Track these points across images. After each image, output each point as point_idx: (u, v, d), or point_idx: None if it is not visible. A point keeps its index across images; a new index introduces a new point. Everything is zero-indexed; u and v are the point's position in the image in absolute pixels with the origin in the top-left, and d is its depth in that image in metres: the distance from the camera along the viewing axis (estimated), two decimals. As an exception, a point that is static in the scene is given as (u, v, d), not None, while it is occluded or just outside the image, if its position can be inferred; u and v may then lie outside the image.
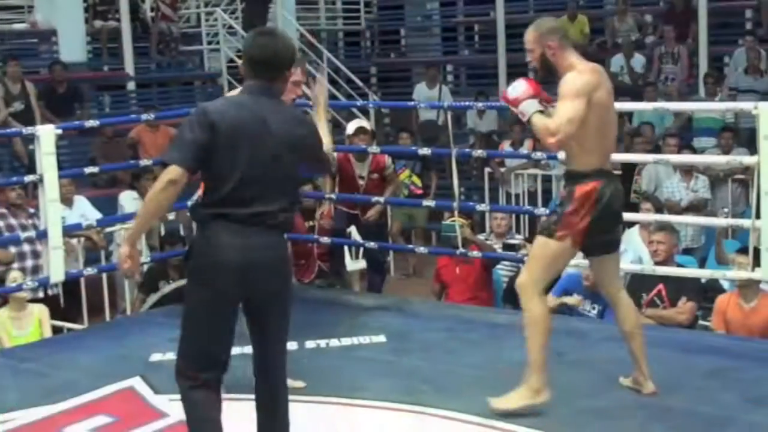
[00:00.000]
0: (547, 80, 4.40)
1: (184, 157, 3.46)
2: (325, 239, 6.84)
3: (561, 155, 7.72)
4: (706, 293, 6.66)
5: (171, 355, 5.33)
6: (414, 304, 6.47)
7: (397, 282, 9.97)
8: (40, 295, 6.84)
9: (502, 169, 10.91)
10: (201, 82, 14.36)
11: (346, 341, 5.48)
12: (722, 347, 5.28)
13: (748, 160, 5.76)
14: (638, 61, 12.32)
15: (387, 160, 7.42)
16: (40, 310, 6.45)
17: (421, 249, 7.51)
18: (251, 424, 3.69)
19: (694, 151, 9.41)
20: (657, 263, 6.29)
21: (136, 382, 4.90)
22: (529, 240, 7.70)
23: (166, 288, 6.95)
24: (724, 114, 10.16)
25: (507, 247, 7.70)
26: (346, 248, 7.92)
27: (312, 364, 5.13)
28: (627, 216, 7.48)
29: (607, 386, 4.64)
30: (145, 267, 7.34)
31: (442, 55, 15.79)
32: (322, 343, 5.43)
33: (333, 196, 7.08)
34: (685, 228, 8.34)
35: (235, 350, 3.66)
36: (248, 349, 3.73)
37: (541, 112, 4.28)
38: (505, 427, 4.21)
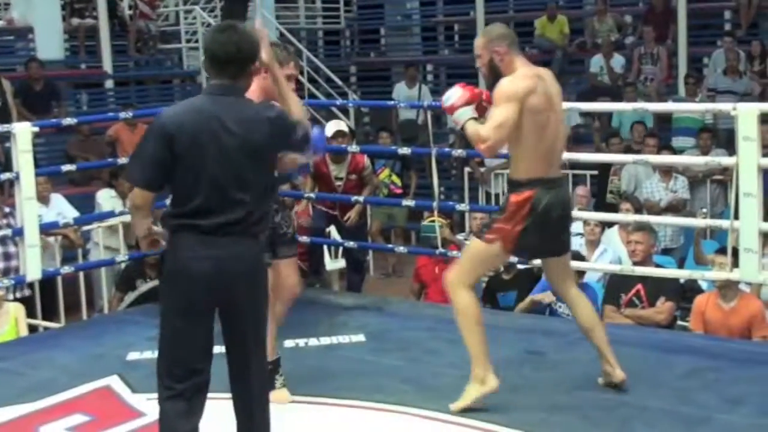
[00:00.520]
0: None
1: (144, 177, 3.42)
2: (304, 238, 6.82)
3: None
4: (684, 293, 6.68)
5: (148, 354, 5.31)
6: (393, 304, 6.45)
7: (376, 281, 9.96)
8: (11, 296, 6.77)
9: (482, 169, 10.91)
10: (180, 81, 14.31)
11: (326, 341, 5.47)
12: (701, 347, 5.30)
13: (726, 161, 5.79)
14: (618, 61, 12.35)
15: (365, 161, 7.41)
16: (16, 309, 6.39)
17: (401, 248, 7.50)
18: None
19: (674, 151, 9.44)
20: (635, 263, 6.31)
21: (113, 381, 4.87)
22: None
23: (144, 286, 6.92)
24: (704, 114, 10.21)
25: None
26: (325, 247, 7.91)
27: (291, 364, 5.11)
28: (606, 216, 7.59)
29: (586, 386, 4.63)
30: (122, 265, 7.31)
31: (422, 54, 15.79)
32: (302, 342, 5.41)
33: (312, 195, 7.06)
34: (664, 228, 8.38)
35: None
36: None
37: (476, 119, 4.27)
38: (485, 427, 4.20)
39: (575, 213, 6.99)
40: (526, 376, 4.78)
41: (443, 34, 16.04)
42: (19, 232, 5.98)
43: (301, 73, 13.87)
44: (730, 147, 6.31)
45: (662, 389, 4.58)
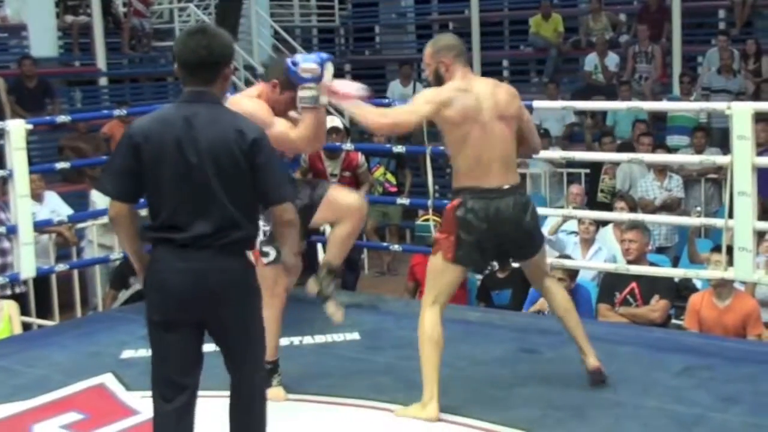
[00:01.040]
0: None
1: (112, 188, 3.36)
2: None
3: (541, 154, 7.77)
4: (679, 292, 6.69)
5: (143, 352, 5.31)
6: (388, 302, 6.45)
7: (371, 279, 9.96)
8: (8, 292, 6.76)
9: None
10: (174, 78, 14.25)
11: (320, 339, 5.46)
12: (695, 346, 5.30)
13: (721, 159, 5.79)
14: (612, 59, 12.37)
15: (360, 158, 7.40)
16: (10, 306, 6.38)
17: (396, 247, 7.49)
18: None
19: (668, 150, 9.45)
20: (629, 262, 6.31)
21: (108, 379, 4.87)
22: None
23: (137, 284, 6.89)
24: (698, 113, 10.22)
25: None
26: (319, 245, 7.90)
27: (286, 362, 5.10)
28: (600, 215, 7.58)
29: (581, 384, 4.63)
30: (116, 263, 7.29)
31: (417, 52, 15.76)
32: (296, 340, 5.41)
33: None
34: (659, 227, 8.38)
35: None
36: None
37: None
38: (479, 425, 4.20)
39: (570, 212, 7.03)
40: (520, 375, 4.78)
41: (438, 32, 16.02)
42: (13, 230, 5.96)
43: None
44: (724, 146, 6.33)
45: (656, 388, 4.58)
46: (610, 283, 6.46)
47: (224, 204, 3.28)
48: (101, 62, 12.80)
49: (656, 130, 10.65)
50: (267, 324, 3.60)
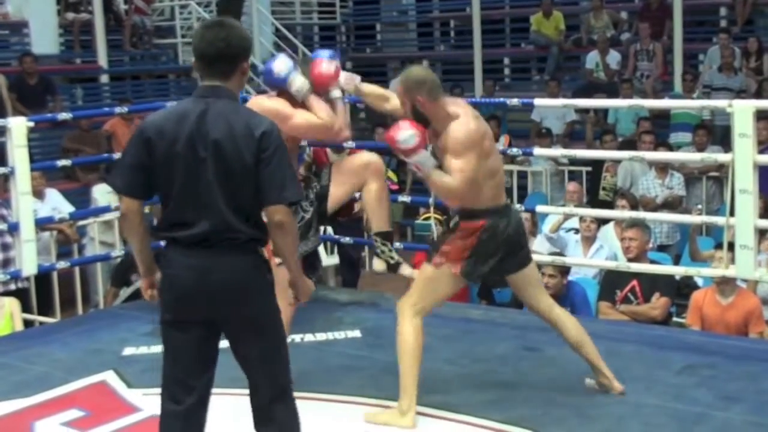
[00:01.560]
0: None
1: (124, 183, 3.32)
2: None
3: (538, 151, 7.78)
4: (680, 290, 6.69)
5: (144, 349, 5.32)
6: (389, 300, 6.43)
7: (371, 277, 9.94)
8: (12, 287, 6.77)
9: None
10: (175, 76, 14.30)
11: (321, 336, 5.46)
12: (696, 344, 5.30)
13: (722, 157, 5.79)
14: (613, 57, 12.37)
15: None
16: (11, 303, 6.38)
17: (396, 244, 7.46)
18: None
19: (670, 147, 9.45)
20: (629, 260, 6.32)
21: (109, 376, 4.87)
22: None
23: (139, 282, 6.89)
24: (701, 111, 10.21)
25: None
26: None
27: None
28: (600, 212, 7.58)
29: (582, 382, 4.64)
30: (118, 260, 7.30)
31: (418, 50, 15.81)
32: (297, 338, 5.40)
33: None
34: (660, 225, 8.38)
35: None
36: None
37: (438, 166, 4.19)
38: (480, 422, 4.20)
39: (571, 210, 7.03)
40: (522, 372, 4.78)
41: (439, 29, 16.05)
42: (14, 227, 5.96)
43: (297, 68, 13.87)
44: (726, 143, 6.31)
45: (657, 386, 4.58)
46: (611, 281, 6.47)
47: (223, 204, 3.22)
48: (102, 59, 12.80)
49: (660, 128, 10.65)
50: None
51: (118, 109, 7.83)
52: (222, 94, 3.29)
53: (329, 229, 7.67)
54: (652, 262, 6.58)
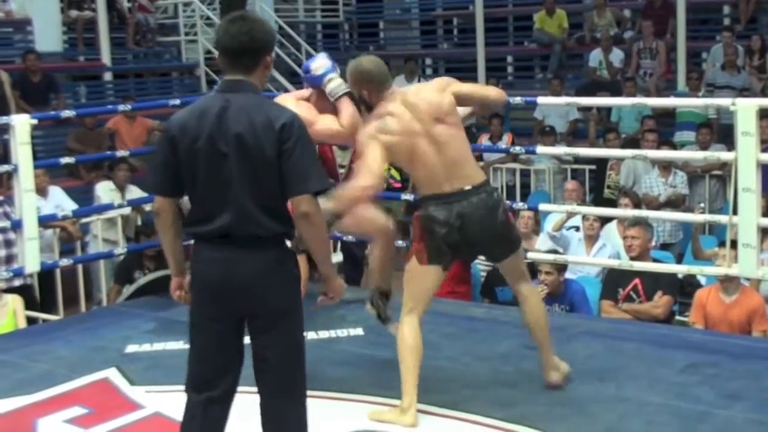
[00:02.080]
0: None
1: (156, 183, 3.36)
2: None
3: (541, 150, 7.77)
4: (683, 288, 6.69)
5: (147, 347, 5.33)
6: (392, 298, 6.44)
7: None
8: (16, 284, 6.78)
9: (481, 163, 10.89)
10: (178, 73, 14.31)
11: (324, 334, 5.47)
12: (699, 342, 5.30)
13: (725, 156, 5.78)
14: (617, 55, 12.36)
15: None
16: (15, 301, 6.39)
17: (399, 242, 7.47)
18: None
19: (674, 146, 9.44)
20: (632, 258, 6.31)
21: (112, 374, 4.88)
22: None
23: (142, 279, 6.91)
24: (707, 109, 10.18)
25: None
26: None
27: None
28: (603, 211, 7.58)
29: (585, 380, 4.64)
30: (121, 257, 7.31)
31: (421, 48, 15.80)
32: (300, 335, 5.41)
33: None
34: (663, 223, 8.38)
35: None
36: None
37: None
38: (483, 421, 4.20)
39: (574, 208, 7.02)
40: (525, 371, 4.78)
41: (442, 27, 16.04)
42: (17, 225, 5.97)
43: (300, 65, 13.87)
44: (732, 142, 6.26)
45: (660, 384, 4.58)
46: (614, 280, 6.46)
47: (243, 198, 3.23)
48: (106, 57, 12.80)
49: (664, 126, 10.65)
50: None
51: (121, 107, 7.84)
52: (244, 88, 3.30)
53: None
54: (655, 260, 6.58)
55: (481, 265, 7.68)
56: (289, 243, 3.43)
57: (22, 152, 5.88)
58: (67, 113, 7.04)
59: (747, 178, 5.10)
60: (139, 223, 8.07)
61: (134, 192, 8.76)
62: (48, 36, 12.48)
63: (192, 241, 3.39)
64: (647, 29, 12.25)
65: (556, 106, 11.13)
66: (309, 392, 4.46)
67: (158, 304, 6.13)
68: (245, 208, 3.23)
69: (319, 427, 4.15)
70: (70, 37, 13.11)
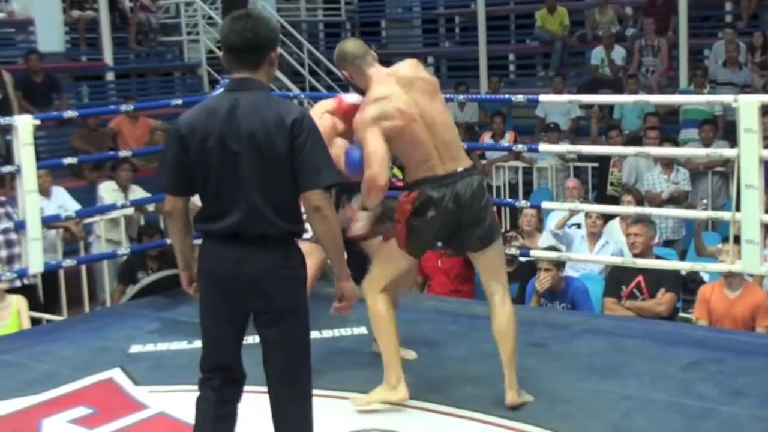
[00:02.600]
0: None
1: (166, 182, 3.38)
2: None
3: (543, 147, 7.79)
4: (686, 285, 6.68)
5: (151, 347, 5.33)
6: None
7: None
8: (18, 284, 6.79)
9: (483, 162, 10.91)
10: (180, 73, 14.31)
11: (328, 333, 5.46)
12: (702, 339, 5.30)
13: (728, 152, 5.78)
14: (618, 53, 12.35)
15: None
16: (19, 301, 6.40)
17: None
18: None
19: (676, 143, 9.44)
20: (635, 255, 6.31)
21: (116, 374, 4.88)
22: (516, 231, 7.70)
23: (146, 279, 6.91)
24: (713, 106, 10.16)
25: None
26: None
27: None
28: (605, 208, 7.58)
29: (589, 377, 4.65)
30: (124, 258, 7.31)
31: (423, 46, 15.79)
32: (304, 334, 5.41)
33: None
34: (666, 220, 8.38)
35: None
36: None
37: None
38: (486, 419, 4.21)
39: (576, 205, 7.03)
40: (528, 368, 4.77)
41: (444, 26, 16.04)
42: (21, 225, 5.98)
43: (302, 65, 13.88)
44: (734, 138, 6.26)
45: (664, 381, 4.58)
46: (617, 277, 6.46)
47: (255, 196, 3.26)
48: (108, 57, 12.81)
49: (668, 124, 10.64)
50: None
51: (123, 107, 7.84)
52: (252, 86, 3.33)
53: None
54: (658, 257, 6.57)
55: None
56: (299, 241, 3.46)
57: (25, 153, 5.88)
58: (70, 113, 7.05)
59: (750, 174, 5.10)
60: (142, 223, 8.09)
61: (137, 192, 8.77)
62: (50, 36, 12.49)
63: (200, 240, 3.43)
64: (649, 26, 12.24)
65: (558, 103, 11.12)
66: (315, 391, 4.50)
67: (162, 304, 6.14)
68: (257, 207, 3.26)
69: (324, 425, 4.16)
70: (73, 37, 13.11)
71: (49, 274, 6.94)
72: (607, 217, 7.58)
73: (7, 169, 6.17)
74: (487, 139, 10.91)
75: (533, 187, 10.62)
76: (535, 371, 4.72)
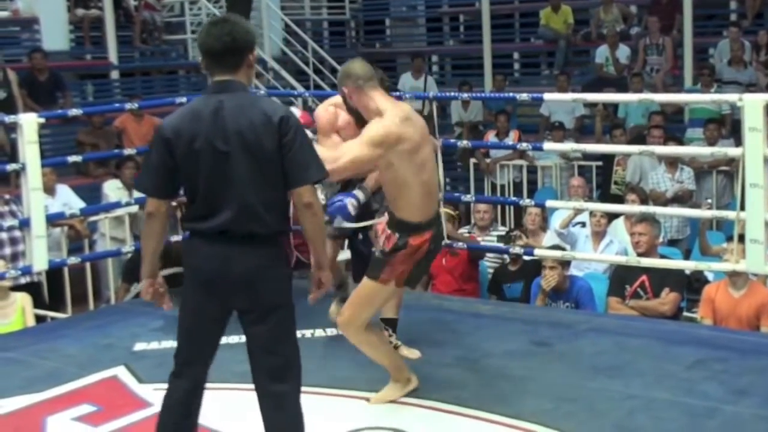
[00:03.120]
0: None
1: (151, 185, 3.42)
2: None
3: (548, 146, 7.78)
4: (690, 285, 6.67)
5: (155, 345, 5.34)
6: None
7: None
8: (22, 281, 6.80)
9: (488, 160, 10.91)
10: (185, 71, 14.31)
11: (332, 332, 5.46)
12: (706, 338, 5.30)
13: (733, 151, 5.77)
14: (623, 52, 12.34)
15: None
16: (23, 299, 6.41)
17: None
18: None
19: (680, 142, 9.42)
20: (639, 254, 6.30)
21: (120, 372, 4.90)
22: (521, 229, 7.69)
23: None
24: (720, 105, 10.15)
25: (502, 238, 7.68)
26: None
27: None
28: (609, 207, 7.58)
29: (592, 377, 4.65)
30: (128, 256, 7.32)
31: (427, 45, 15.78)
32: (308, 333, 5.42)
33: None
34: (670, 219, 8.37)
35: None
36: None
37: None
38: (490, 417, 4.21)
39: (581, 204, 7.03)
40: (532, 368, 4.78)
41: (448, 24, 16.02)
42: (26, 223, 5.98)
43: (307, 64, 13.88)
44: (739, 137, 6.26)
45: (668, 380, 4.58)
46: (621, 276, 6.45)
47: (247, 194, 3.32)
48: (113, 55, 12.81)
49: (674, 123, 10.62)
50: None
51: (128, 105, 7.85)
52: (234, 88, 3.40)
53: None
54: (662, 256, 6.57)
55: (488, 262, 7.69)
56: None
57: (29, 151, 5.90)
58: (75, 111, 7.06)
59: (754, 173, 5.10)
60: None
61: (141, 190, 8.75)
62: (55, 35, 12.49)
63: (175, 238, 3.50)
64: (653, 25, 12.23)
65: (562, 102, 11.11)
66: (318, 390, 4.52)
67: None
68: (248, 205, 3.32)
69: (329, 423, 4.17)
70: (77, 36, 13.12)
71: (54, 272, 6.96)
72: (612, 216, 7.57)
73: (11, 167, 6.19)
74: (491, 137, 10.91)
75: (537, 185, 10.62)
76: (539, 370, 4.72)
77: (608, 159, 9.75)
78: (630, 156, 9.24)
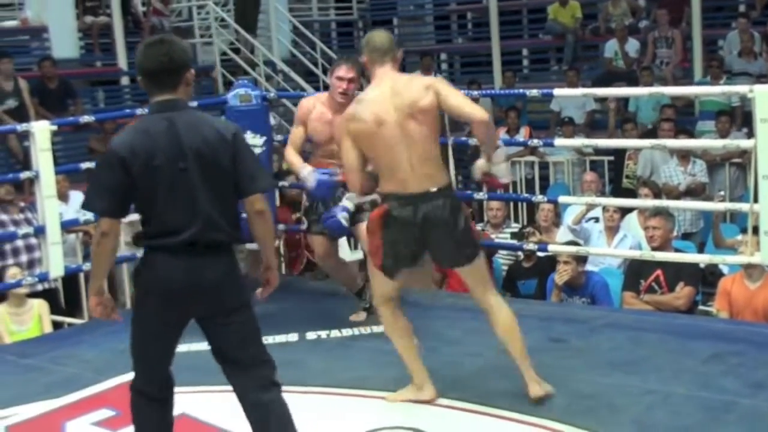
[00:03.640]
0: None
1: (105, 205, 3.44)
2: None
3: (559, 142, 7.76)
4: (705, 278, 6.65)
5: (172, 349, 5.34)
6: (414, 293, 6.45)
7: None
8: (39, 288, 6.83)
9: (496, 158, 10.88)
10: (194, 76, 14.32)
11: (347, 332, 5.49)
12: (722, 332, 5.29)
13: (745, 143, 5.76)
14: (632, 45, 12.32)
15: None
16: (40, 306, 6.44)
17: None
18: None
19: (691, 135, 9.41)
20: (654, 248, 6.28)
21: (138, 377, 4.90)
22: (534, 226, 7.69)
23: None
24: (730, 98, 10.11)
25: (515, 235, 7.68)
26: (344, 238, 7.91)
27: (312, 355, 5.14)
28: (622, 201, 7.56)
29: (609, 372, 4.65)
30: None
31: (436, 43, 15.77)
32: (323, 333, 5.44)
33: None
34: (684, 213, 8.34)
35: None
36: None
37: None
38: (507, 415, 4.21)
39: (593, 199, 7.01)
40: (548, 364, 4.77)
41: (456, 22, 16.02)
42: (40, 230, 6.01)
43: (315, 65, 13.88)
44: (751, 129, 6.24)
45: (685, 375, 4.57)
46: (636, 271, 6.44)
47: (209, 208, 3.43)
48: (122, 62, 12.85)
49: (685, 115, 10.59)
50: None
51: (139, 111, 7.85)
52: (180, 106, 3.51)
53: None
54: (677, 250, 6.55)
55: (502, 259, 7.69)
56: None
57: (42, 159, 5.93)
58: (86, 118, 7.09)
59: (767, 165, 5.08)
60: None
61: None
62: (64, 42, 12.52)
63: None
64: (662, 18, 12.20)
65: (572, 97, 11.10)
66: (332, 389, 4.53)
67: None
68: (211, 217, 3.43)
69: (347, 423, 4.18)
70: (87, 43, 13.16)
71: (70, 278, 6.99)
72: (625, 211, 7.56)
73: (25, 175, 6.21)
74: (501, 134, 10.87)
75: (549, 181, 10.61)
76: (555, 367, 4.72)
77: (620, 153, 9.74)
78: (641, 150, 9.23)
